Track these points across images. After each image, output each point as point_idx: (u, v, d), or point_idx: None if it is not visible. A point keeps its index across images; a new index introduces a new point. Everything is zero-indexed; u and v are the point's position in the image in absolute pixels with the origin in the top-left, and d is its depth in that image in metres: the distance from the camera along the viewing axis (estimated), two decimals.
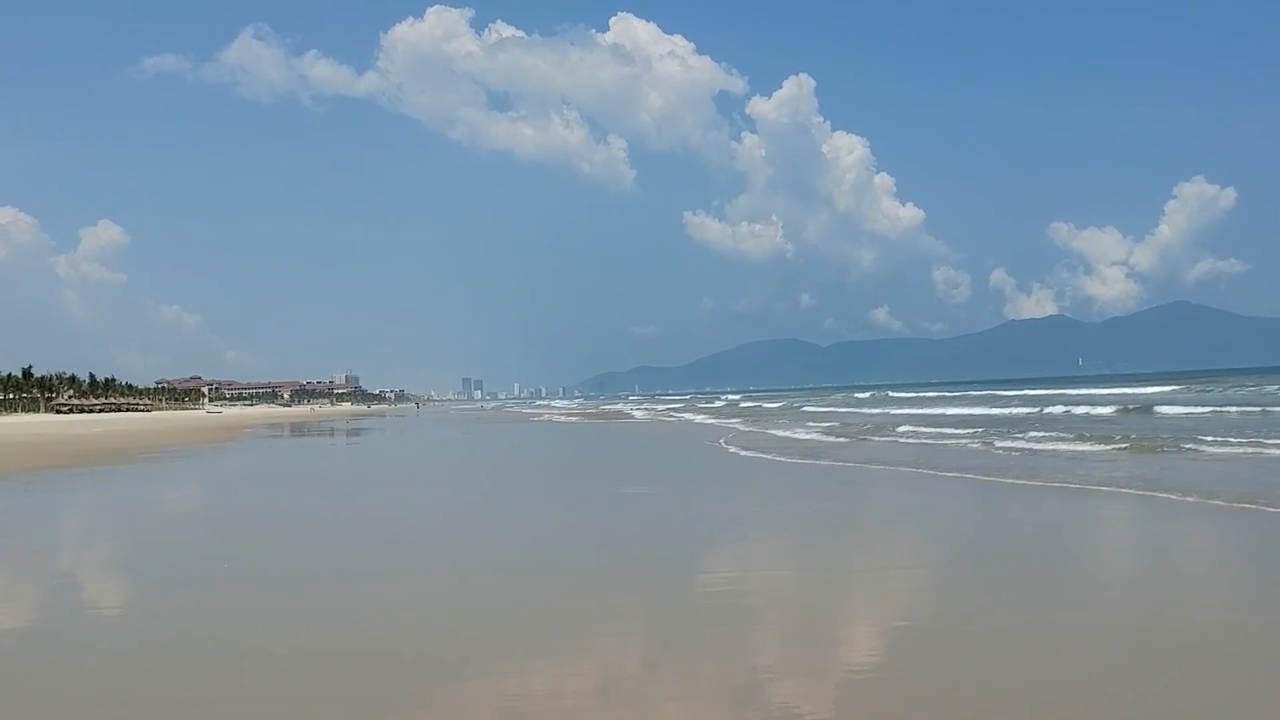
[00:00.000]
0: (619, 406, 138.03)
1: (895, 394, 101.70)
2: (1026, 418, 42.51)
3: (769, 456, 27.28)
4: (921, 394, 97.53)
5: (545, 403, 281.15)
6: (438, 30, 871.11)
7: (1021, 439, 28.79)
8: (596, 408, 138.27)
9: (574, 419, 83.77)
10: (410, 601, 9.42)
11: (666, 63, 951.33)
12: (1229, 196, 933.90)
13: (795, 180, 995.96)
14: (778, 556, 12.02)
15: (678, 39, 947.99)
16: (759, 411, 73.40)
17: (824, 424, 44.06)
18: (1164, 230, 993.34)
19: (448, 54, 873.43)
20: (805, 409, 72.52)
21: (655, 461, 30.83)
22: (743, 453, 29.49)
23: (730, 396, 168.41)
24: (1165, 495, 15.21)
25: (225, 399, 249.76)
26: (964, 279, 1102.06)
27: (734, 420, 57.34)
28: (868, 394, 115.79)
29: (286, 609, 9.24)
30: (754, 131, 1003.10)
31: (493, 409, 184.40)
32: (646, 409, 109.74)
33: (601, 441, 46.34)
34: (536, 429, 63.20)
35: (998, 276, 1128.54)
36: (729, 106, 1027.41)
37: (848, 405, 73.28)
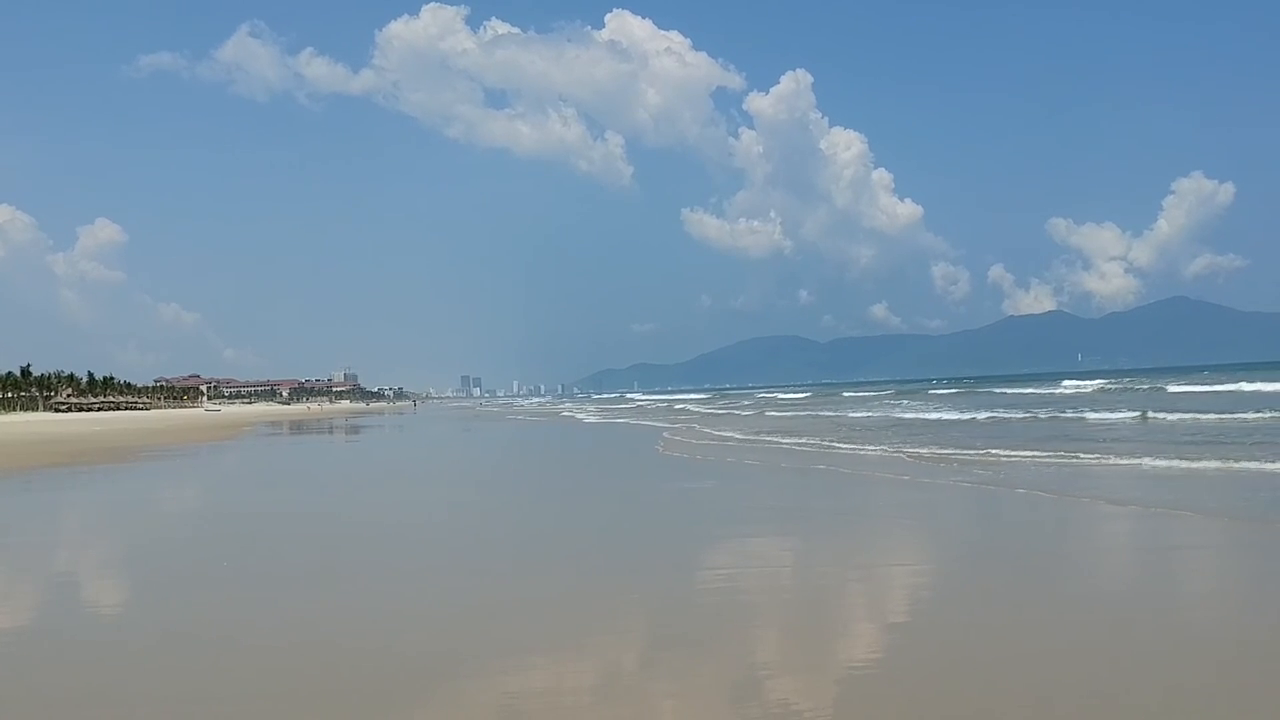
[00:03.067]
0: (565, 405, 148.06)
1: (851, 394, 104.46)
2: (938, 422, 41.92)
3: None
4: (879, 393, 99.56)
5: (506, 401, 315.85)
6: (433, 28, 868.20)
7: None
8: (551, 405, 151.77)
9: (533, 418, 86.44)
10: (408, 599, 9.44)
11: (663, 59, 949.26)
12: (1227, 192, 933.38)
13: (793, 176, 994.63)
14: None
15: (674, 35, 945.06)
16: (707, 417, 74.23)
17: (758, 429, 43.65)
18: (1163, 226, 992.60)
19: (443, 51, 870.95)
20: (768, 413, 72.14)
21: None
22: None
23: (695, 395, 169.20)
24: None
25: (224, 397, 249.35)
26: (962, 275, 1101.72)
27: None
28: (806, 394, 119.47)
29: (285, 607, 9.26)
30: (751, 127, 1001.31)
31: (479, 406, 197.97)
32: (594, 405, 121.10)
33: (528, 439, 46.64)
34: (495, 426, 64.04)
35: (996, 272, 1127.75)
36: (726, 103, 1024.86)
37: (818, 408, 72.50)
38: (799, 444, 29.73)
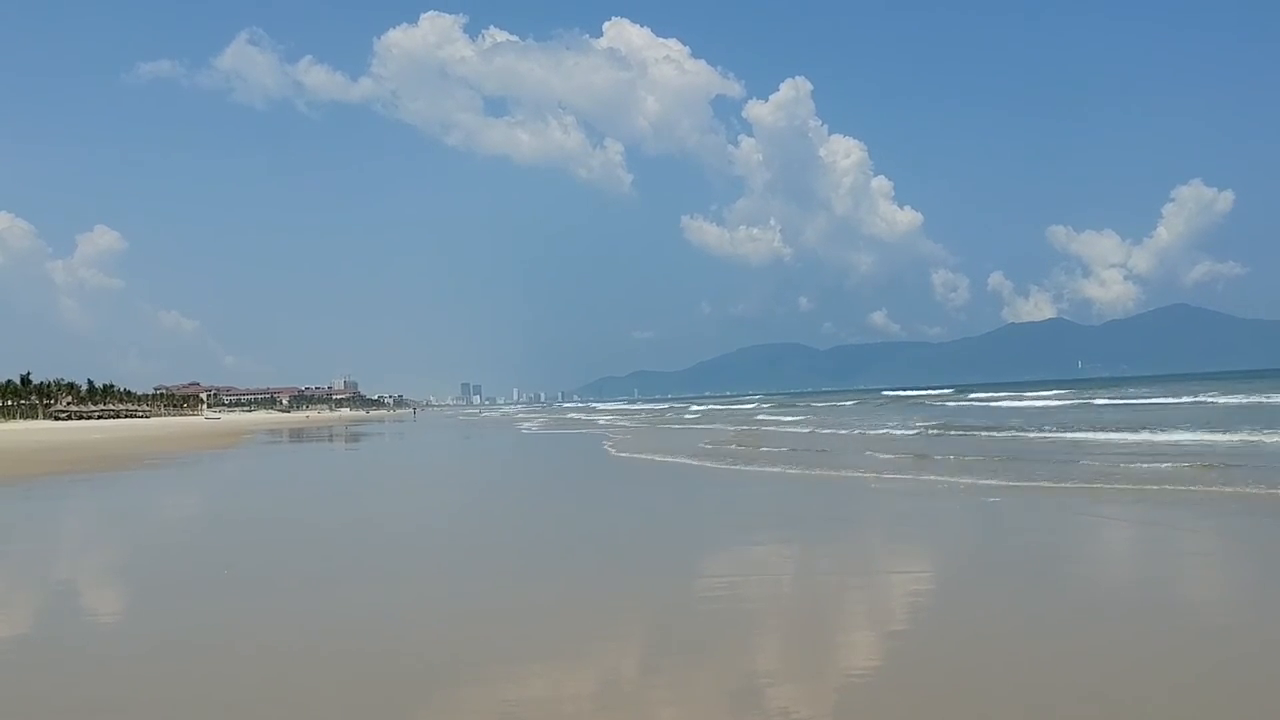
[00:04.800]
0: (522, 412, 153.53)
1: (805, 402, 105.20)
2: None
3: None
4: (840, 403, 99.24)
5: (483, 408, 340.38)
6: (431, 36, 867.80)
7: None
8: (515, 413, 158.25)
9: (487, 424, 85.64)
10: (408, 606, 9.46)
11: (662, 67, 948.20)
12: (1227, 199, 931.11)
13: (793, 184, 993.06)
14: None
15: (672, 43, 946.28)
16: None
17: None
18: (1162, 233, 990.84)
19: (442, 60, 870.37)
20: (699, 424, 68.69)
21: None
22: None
23: (654, 406, 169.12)
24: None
25: (224, 405, 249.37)
26: (962, 282, 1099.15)
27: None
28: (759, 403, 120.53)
29: (285, 614, 9.27)
30: (751, 135, 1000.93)
31: (460, 414, 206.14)
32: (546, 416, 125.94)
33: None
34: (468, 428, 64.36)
35: (996, 279, 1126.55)
36: (726, 110, 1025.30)
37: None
38: (667, 460, 29.78)
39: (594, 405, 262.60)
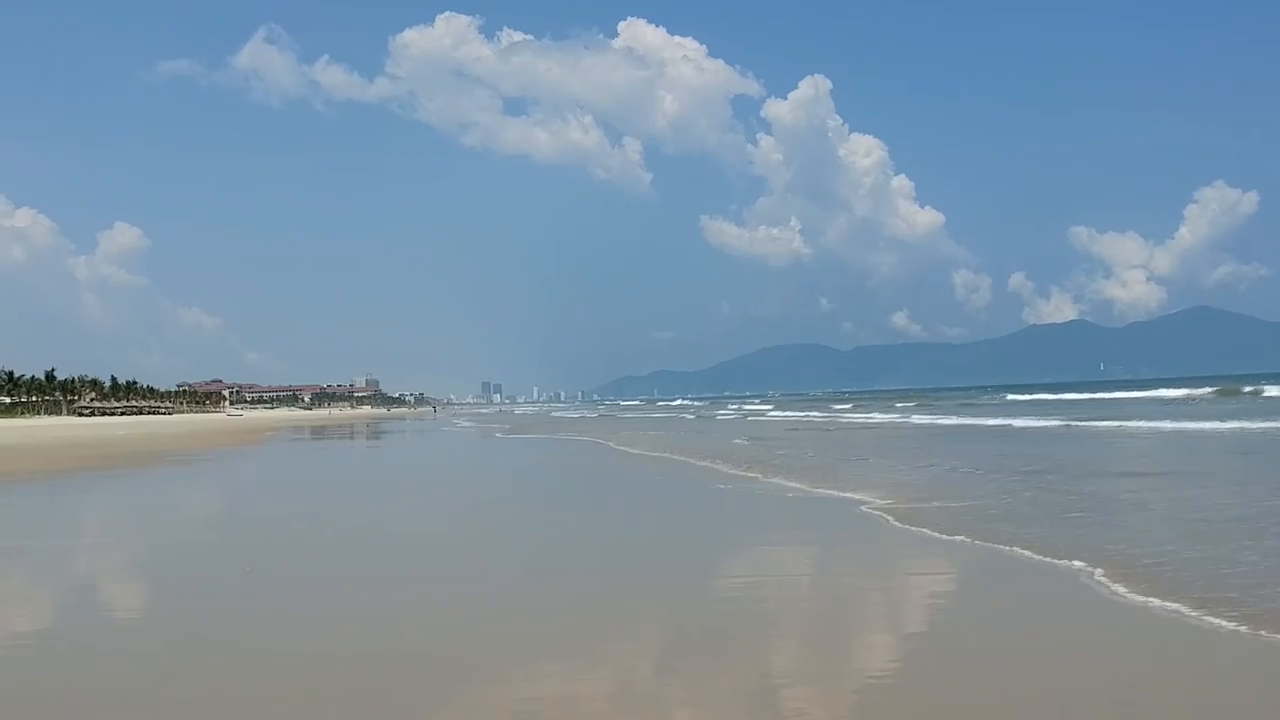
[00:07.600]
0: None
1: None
2: None
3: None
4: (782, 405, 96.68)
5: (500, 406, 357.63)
6: (447, 38, 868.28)
7: None
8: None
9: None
10: (425, 605, 9.49)
11: (680, 66, 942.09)
12: (1251, 200, 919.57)
13: (813, 184, 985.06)
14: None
15: (689, 42, 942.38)
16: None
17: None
18: (1185, 234, 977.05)
19: (458, 60, 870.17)
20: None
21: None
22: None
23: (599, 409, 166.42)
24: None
25: (246, 402, 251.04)
26: (983, 283, 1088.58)
27: None
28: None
29: (304, 612, 9.31)
30: (770, 134, 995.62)
31: (446, 413, 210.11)
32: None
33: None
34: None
35: (1017, 280, 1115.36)
36: (745, 109, 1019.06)
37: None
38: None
39: (555, 403, 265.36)
